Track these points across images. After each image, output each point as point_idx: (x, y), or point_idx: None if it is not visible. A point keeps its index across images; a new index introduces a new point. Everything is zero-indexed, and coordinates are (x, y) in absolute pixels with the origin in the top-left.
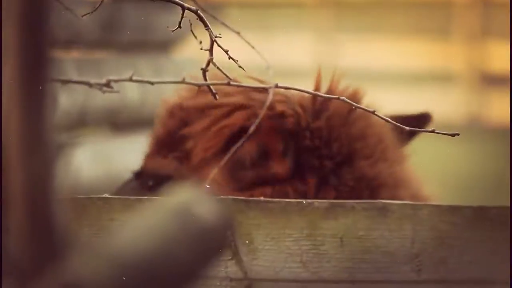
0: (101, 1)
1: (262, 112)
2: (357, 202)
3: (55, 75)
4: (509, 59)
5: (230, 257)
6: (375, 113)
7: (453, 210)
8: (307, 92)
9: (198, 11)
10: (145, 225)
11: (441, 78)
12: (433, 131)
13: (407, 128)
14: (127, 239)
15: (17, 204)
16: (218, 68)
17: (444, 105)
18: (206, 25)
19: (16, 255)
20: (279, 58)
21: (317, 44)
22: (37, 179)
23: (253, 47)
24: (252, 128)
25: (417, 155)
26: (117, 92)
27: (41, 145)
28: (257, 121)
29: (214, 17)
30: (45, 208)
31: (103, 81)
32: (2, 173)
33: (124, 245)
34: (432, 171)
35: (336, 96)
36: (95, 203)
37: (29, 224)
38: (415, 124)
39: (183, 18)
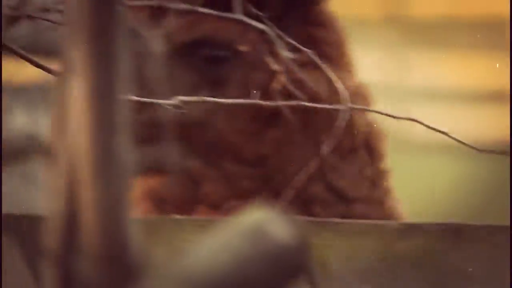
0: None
1: (338, 131)
2: (432, 224)
3: (125, 92)
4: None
5: (303, 278)
6: (448, 134)
7: None
8: (380, 113)
9: (267, 30)
10: (218, 245)
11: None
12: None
13: (479, 149)
14: (200, 260)
15: (89, 225)
16: (291, 89)
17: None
18: (276, 45)
19: (89, 277)
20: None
21: (384, 62)
22: (110, 200)
23: (324, 68)
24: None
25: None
26: (187, 112)
27: (113, 164)
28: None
29: (283, 36)
30: (118, 229)
31: (175, 101)
32: (74, 194)
33: (197, 266)
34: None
35: (410, 117)
36: (167, 223)
37: (102, 246)
38: None
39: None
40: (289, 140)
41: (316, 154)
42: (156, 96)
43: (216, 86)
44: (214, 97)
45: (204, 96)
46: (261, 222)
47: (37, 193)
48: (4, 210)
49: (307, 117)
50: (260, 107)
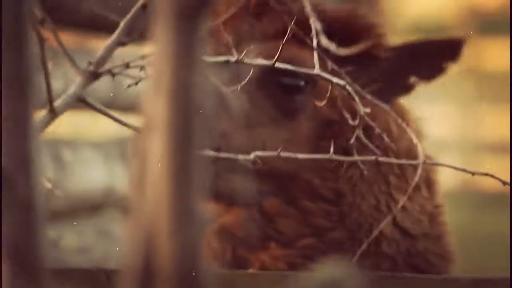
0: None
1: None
2: (502, 279)
3: (203, 147)
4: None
5: None
6: None
7: None
8: (456, 168)
9: (347, 86)
10: None
11: None
12: None
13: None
14: None
15: (166, 278)
16: (365, 142)
17: None
18: (354, 100)
19: None
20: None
21: (460, 116)
22: (186, 254)
23: (401, 123)
24: None
25: None
26: (262, 166)
27: (190, 219)
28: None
29: (360, 91)
30: (194, 282)
31: (251, 157)
32: (152, 247)
33: None
34: None
35: (486, 173)
36: (242, 278)
37: None
38: (445, 51)
39: (330, 92)
40: (362, 178)
41: (386, 193)
42: (234, 151)
43: (291, 116)
44: (288, 129)
45: (281, 148)
46: (336, 279)
47: (113, 247)
48: (79, 264)
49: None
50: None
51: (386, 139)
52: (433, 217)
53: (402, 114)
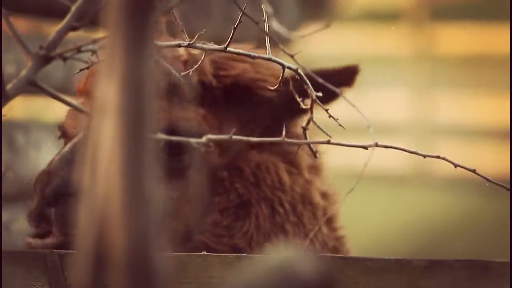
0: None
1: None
2: (456, 260)
3: (155, 131)
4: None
5: None
6: (476, 172)
7: None
8: (408, 151)
9: (298, 70)
10: (245, 283)
11: None
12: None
13: (507, 188)
14: None
15: (118, 262)
16: (318, 126)
17: None
18: (306, 84)
19: None
20: (375, 115)
21: (413, 100)
22: (139, 237)
23: (353, 105)
24: None
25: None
26: (214, 150)
27: (142, 203)
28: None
29: (314, 76)
30: (146, 266)
31: (204, 140)
32: (104, 232)
33: None
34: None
35: (437, 155)
36: (194, 260)
37: (130, 282)
38: (341, 78)
39: (283, 76)
40: (258, 230)
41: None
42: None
43: (180, 175)
44: (178, 188)
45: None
46: (287, 260)
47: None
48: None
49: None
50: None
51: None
52: (337, 249)
53: (293, 161)
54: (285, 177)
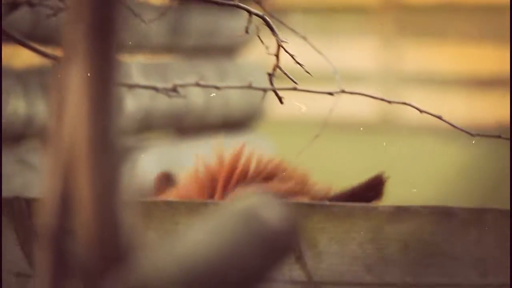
0: (168, 6)
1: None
2: (422, 207)
3: (122, 79)
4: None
5: (294, 261)
6: (442, 118)
7: None
8: (373, 97)
9: (265, 16)
10: (210, 228)
11: (505, 83)
12: (499, 137)
13: (473, 134)
14: (192, 242)
15: (84, 206)
16: (284, 73)
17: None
18: (272, 30)
19: (82, 257)
20: (342, 63)
21: (380, 48)
22: (104, 183)
23: (320, 53)
24: None
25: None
26: (183, 97)
27: (108, 148)
28: None
29: (281, 22)
30: (111, 211)
31: (169, 86)
32: (70, 176)
33: (189, 248)
34: None
35: (403, 101)
36: (160, 206)
37: (95, 227)
38: (370, 193)
39: (250, 23)
40: None
41: None
42: (154, 82)
43: None
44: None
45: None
46: (253, 206)
47: (33, 177)
48: None
49: None
50: None
51: (304, 67)
52: None
53: None
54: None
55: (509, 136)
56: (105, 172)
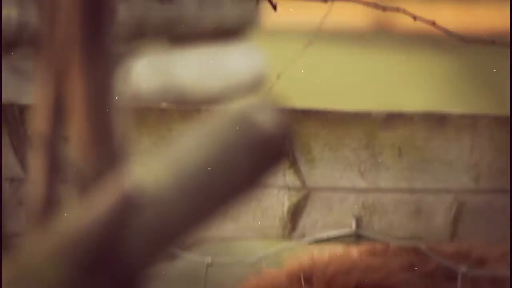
0: None
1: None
2: (415, 112)
3: None
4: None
5: (288, 167)
6: (435, 24)
7: None
8: (367, 4)
9: None
10: (204, 133)
11: None
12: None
13: (466, 39)
14: (186, 147)
15: (77, 112)
16: None
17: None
18: None
19: (75, 163)
20: None
21: None
22: (98, 89)
23: None
24: None
25: None
26: (175, 4)
27: (101, 55)
28: None
29: None
30: (104, 117)
31: None
32: (63, 81)
33: (183, 152)
34: None
35: (397, 8)
36: (153, 112)
37: (88, 132)
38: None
39: None
40: None
41: None
42: None
43: None
44: None
45: None
46: (247, 111)
47: (26, 84)
48: None
49: None
50: None
51: None
52: None
53: None
54: None
55: (503, 42)
56: (98, 77)
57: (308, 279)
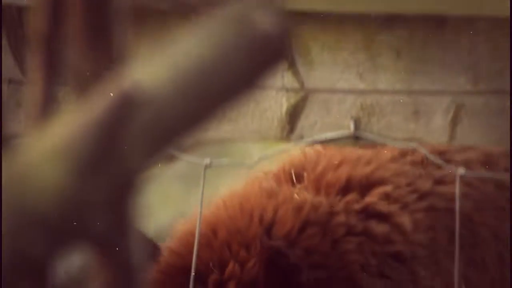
0: None
1: None
2: (414, 14)
3: None
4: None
5: (287, 68)
6: None
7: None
8: None
9: None
10: (203, 32)
11: None
12: None
13: None
14: (184, 47)
15: (76, 12)
16: None
17: None
18: None
19: (74, 63)
20: None
21: None
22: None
23: None
24: None
25: None
26: None
27: None
28: None
29: None
30: (104, 17)
31: None
32: None
33: (181, 53)
34: None
35: None
36: (152, 14)
37: (87, 32)
38: None
39: None
40: None
41: None
42: None
43: None
44: None
45: None
46: (246, 10)
47: None
48: None
49: None
50: None
51: None
52: None
53: None
54: None
55: None
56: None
57: (299, 175)
